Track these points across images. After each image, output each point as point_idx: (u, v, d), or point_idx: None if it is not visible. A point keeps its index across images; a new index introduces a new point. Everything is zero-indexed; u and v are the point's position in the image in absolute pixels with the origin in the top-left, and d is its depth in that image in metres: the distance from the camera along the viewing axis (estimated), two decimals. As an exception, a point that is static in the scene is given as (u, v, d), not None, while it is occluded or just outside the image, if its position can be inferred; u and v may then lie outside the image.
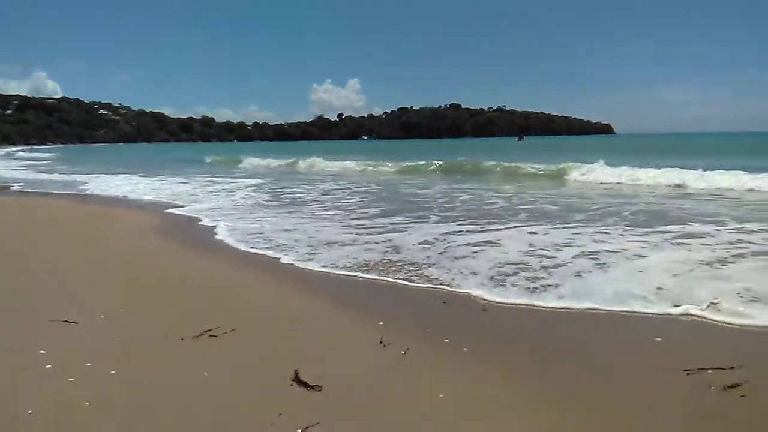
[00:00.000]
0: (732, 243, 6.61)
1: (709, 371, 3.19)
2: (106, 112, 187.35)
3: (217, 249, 7.17)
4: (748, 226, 7.79)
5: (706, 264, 5.59)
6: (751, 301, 4.42)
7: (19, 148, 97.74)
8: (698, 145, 49.98)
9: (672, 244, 6.69)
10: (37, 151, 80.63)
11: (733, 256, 5.95)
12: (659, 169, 16.07)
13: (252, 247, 7.06)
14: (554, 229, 7.86)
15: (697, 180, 14.27)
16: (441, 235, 7.51)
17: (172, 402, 2.91)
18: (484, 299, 4.67)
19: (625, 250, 6.32)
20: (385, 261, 6.07)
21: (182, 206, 11.86)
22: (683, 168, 15.53)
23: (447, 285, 5.10)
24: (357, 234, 7.77)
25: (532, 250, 6.37)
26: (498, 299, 4.65)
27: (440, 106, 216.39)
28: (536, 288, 4.90)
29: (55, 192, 16.42)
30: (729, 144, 50.46)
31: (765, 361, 3.46)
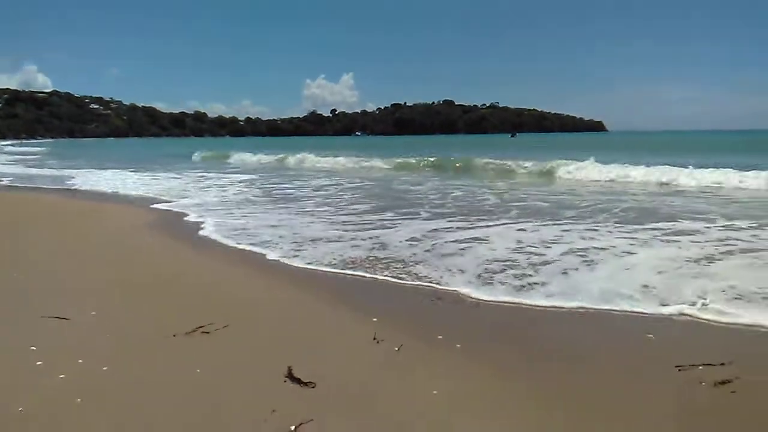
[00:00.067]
0: (721, 240, 6.65)
1: (700, 367, 3.22)
2: (97, 106, 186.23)
3: (205, 245, 7.12)
4: (737, 223, 7.84)
5: (694, 261, 5.62)
6: (739, 298, 4.44)
7: (9, 142, 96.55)
8: (690, 142, 50.25)
9: (661, 241, 6.71)
10: (26, 145, 79.78)
11: (721, 253, 5.98)
12: (649, 167, 16.14)
13: (239, 243, 7.00)
14: (544, 226, 7.85)
15: (688, 177, 14.38)
16: (430, 231, 7.49)
17: (164, 399, 2.90)
18: (471, 297, 4.64)
19: (614, 247, 6.33)
20: (371, 258, 6.03)
21: (169, 201, 11.77)
22: (674, 165, 15.63)
23: (435, 283, 5.08)
24: (344, 231, 7.73)
25: (520, 247, 6.36)
26: (485, 297, 4.62)
27: (433, 103, 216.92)
28: (523, 286, 4.88)
29: (44, 187, 16.29)
30: (722, 142, 50.82)
31: (755, 358, 3.49)
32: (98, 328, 3.94)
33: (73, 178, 19.04)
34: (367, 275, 5.39)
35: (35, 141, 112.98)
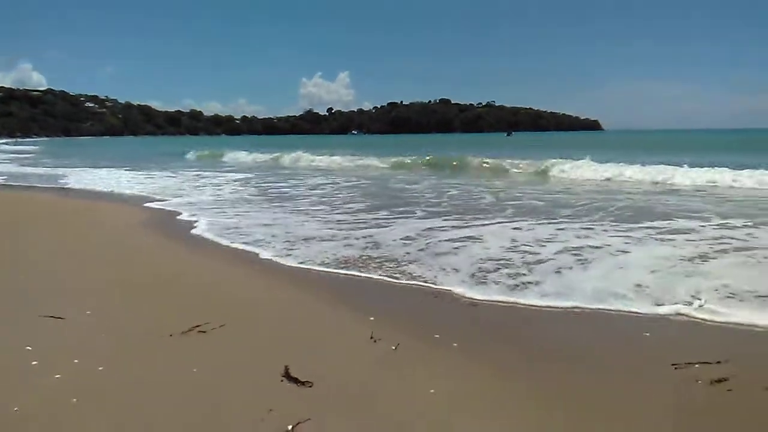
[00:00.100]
0: (716, 239, 6.67)
1: (696, 366, 3.22)
2: (92, 104, 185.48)
3: (198, 244, 7.10)
4: (732, 221, 7.86)
5: (689, 260, 5.63)
6: (733, 297, 4.45)
7: (3, 141, 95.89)
8: (686, 141, 50.38)
9: (656, 239, 6.71)
10: (21, 144, 79.55)
11: (716, 251, 6.00)
12: (645, 165, 16.18)
13: (232, 242, 6.97)
14: (539, 224, 7.85)
15: (683, 176, 14.46)
16: (424, 230, 7.47)
17: (161, 398, 2.88)
18: (465, 297, 4.62)
19: (609, 245, 6.32)
20: (364, 257, 6.01)
21: (163, 200, 11.73)
22: (669, 164, 15.70)
23: (430, 282, 5.06)
24: (338, 230, 7.70)
25: (515, 246, 6.35)
26: (479, 297, 4.61)
27: (430, 101, 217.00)
28: (517, 285, 4.87)
29: (39, 185, 16.23)
30: (717, 140, 50.98)
31: (751, 356, 3.50)
32: (94, 327, 3.92)
33: (66, 176, 18.95)
34: (362, 274, 5.37)
35: (30, 139, 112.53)
